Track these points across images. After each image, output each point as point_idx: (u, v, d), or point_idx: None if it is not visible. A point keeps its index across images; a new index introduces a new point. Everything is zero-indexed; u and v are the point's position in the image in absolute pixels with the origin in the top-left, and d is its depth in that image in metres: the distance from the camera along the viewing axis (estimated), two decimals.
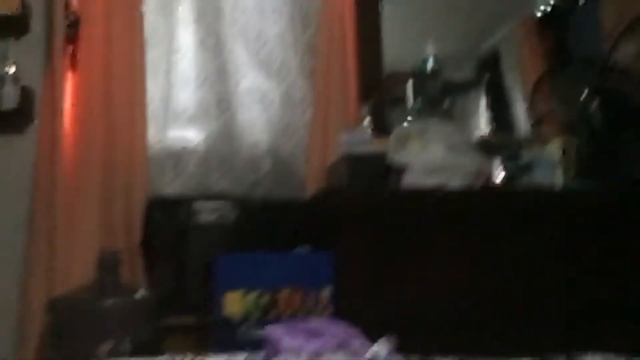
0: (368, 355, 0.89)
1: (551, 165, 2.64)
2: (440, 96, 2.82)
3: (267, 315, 2.26)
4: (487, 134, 3.02)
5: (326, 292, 2.28)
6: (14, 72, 2.51)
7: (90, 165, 2.56)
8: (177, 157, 2.73)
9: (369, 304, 2.18)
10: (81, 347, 2.29)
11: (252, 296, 2.27)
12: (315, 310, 2.26)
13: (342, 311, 2.20)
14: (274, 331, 0.90)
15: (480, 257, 2.27)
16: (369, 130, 2.64)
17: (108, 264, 2.39)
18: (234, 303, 2.25)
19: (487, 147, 2.69)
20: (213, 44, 2.82)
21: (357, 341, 0.91)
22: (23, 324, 2.43)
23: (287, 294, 2.29)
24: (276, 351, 0.90)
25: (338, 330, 0.92)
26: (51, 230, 2.47)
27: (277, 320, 2.25)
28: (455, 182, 2.36)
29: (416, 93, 2.84)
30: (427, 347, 1.46)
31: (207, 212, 2.70)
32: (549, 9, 3.24)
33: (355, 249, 2.23)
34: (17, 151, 2.59)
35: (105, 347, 2.30)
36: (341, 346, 0.92)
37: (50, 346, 2.36)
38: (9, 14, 2.55)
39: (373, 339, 1.11)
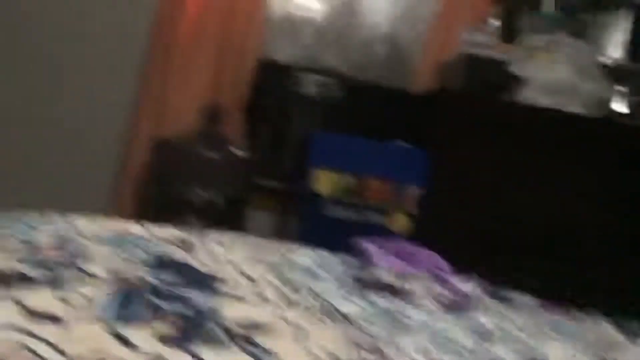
0: (460, 287, 0.90)
1: None
2: (580, 11, 2.61)
3: (353, 199, 2.31)
4: (619, 60, 2.81)
5: (415, 190, 2.29)
6: None
7: (210, 20, 2.57)
8: (294, 24, 2.69)
9: (456, 212, 2.17)
10: (178, 189, 2.44)
11: (341, 177, 2.31)
12: (400, 206, 2.29)
13: (426, 212, 2.21)
14: (369, 246, 0.92)
15: (583, 188, 2.19)
16: (496, 34, 2.50)
17: (213, 117, 2.47)
18: (324, 181, 2.31)
19: (616, 74, 2.51)
20: None
21: (449, 272, 0.93)
22: (128, 157, 2.57)
23: (376, 183, 2.32)
24: (369, 264, 0.92)
25: (432, 258, 0.93)
26: (166, 72, 2.54)
27: (361, 205, 2.31)
28: (575, 106, 2.24)
29: (555, 3, 2.63)
30: (504, 270, 1.46)
31: (314, 85, 2.70)
32: None
33: (455, 153, 2.19)
34: None
35: (200, 194, 2.44)
36: (433, 274, 0.93)
37: (150, 183, 2.51)
38: None
39: (452, 249, 1.12)
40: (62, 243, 0.83)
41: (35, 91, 2.54)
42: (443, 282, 0.92)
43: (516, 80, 2.29)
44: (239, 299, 0.75)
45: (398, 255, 0.91)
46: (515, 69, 2.30)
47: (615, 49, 2.86)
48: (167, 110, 2.54)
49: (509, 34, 2.52)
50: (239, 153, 2.51)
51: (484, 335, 0.83)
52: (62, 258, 0.77)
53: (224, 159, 2.51)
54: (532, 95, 2.25)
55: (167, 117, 2.56)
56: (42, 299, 0.63)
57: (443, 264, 0.93)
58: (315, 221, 2.28)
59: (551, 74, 2.27)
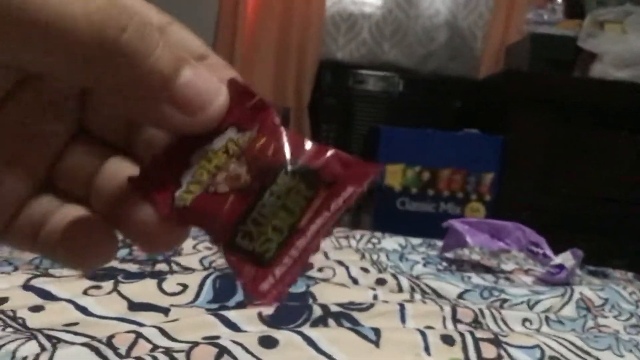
0: (554, 262, 0.87)
1: None
2: None
3: (426, 191, 2.28)
4: None
5: (488, 178, 2.24)
6: None
7: (269, 22, 2.60)
8: (352, 21, 2.69)
9: (532, 196, 2.11)
10: None
11: (412, 171, 2.28)
12: (474, 195, 2.25)
13: (503, 200, 2.16)
14: (458, 225, 0.90)
15: None
16: (560, 10, 2.42)
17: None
18: (394, 175, 2.28)
19: None
20: None
21: (542, 247, 0.89)
22: None
23: (449, 173, 2.28)
24: (458, 243, 0.90)
25: (523, 233, 0.90)
26: None
27: (435, 197, 2.28)
28: None
29: None
30: (589, 252, 1.41)
31: (375, 81, 2.68)
32: None
33: (527, 136, 2.13)
34: (202, 2, 2.66)
35: None
36: (525, 249, 0.90)
37: None
38: None
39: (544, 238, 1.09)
40: None
41: None
42: (537, 256, 0.89)
43: (586, 56, 2.21)
44: (333, 282, 0.75)
45: (490, 233, 0.89)
46: (584, 44, 2.22)
47: None
48: None
49: (575, 8, 2.44)
50: None
51: (587, 306, 0.79)
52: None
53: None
54: (604, 70, 2.17)
55: None
56: (143, 290, 0.64)
57: (537, 237, 0.89)
58: (389, 216, 2.26)
59: (623, 46, 2.18)
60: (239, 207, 0.23)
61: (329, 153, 0.24)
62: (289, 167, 0.23)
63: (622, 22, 2.25)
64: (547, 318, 0.72)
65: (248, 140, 0.23)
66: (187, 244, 0.83)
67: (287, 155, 0.24)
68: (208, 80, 0.23)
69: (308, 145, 0.24)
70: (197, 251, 0.82)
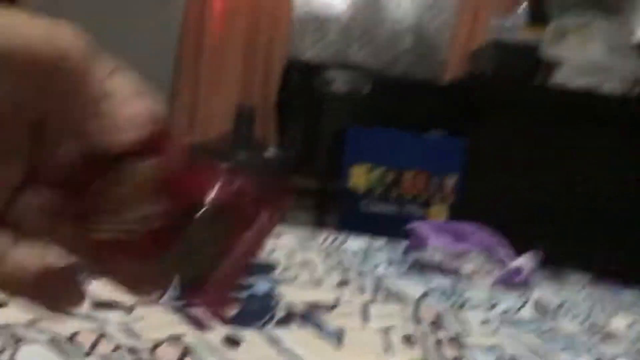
0: (513, 264, 0.89)
1: None
2: None
3: (389, 192, 2.30)
4: None
5: (452, 180, 2.27)
6: None
7: (237, 21, 2.59)
8: (319, 22, 2.69)
9: (495, 199, 2.15)
10: None
11: (377, 172, 2.30)
12: (437, 196, 2.28)
13: (465, 202, 2.19)
14: (421, 226, 0.91)
15: (622, 167, 2.15)
16: (524, 17, 2.47)
17: (244, 118, 2.47)
18: (359, 176, 2.30)
19: None
20: None
21: (503, 249, 0.91)
22: None
23: (413, 175, 2.30)
24: (421, 245, 0.92)
25: (484, 236, 0.92)
26: (196, 78, 2.56)
27: (399, 198, 2.30)
28: (610, 85, 2.20)
29: None
30: (550, 253, 1.44)
31: (342, 82, 2.70)
32: None
33: (490, 140, 2.17)
34: (168, 1, 2.64)
35: None
36: (486, 251, 0.92)
37: None
38: None
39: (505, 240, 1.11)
40: None
41: None
42: (498, 258, 0.91)
43: (548, 63, 2.26)
44: (297, 282, 0.75)
45: (452, 234, 0.90)
46: (547, 51, 2.26)
47: None
48: (199, 115, 2.56)
49: (538, 16, 2.49)
50: (271, 153, 2.52)
51: (544, 308, 0.81)
52: None
53: (256, 159, 2.52)
54: (565, 77, 2.22)
55: (198, 122, 2.58)
56: (106, 287, 0.63)
57: (498, 239, 0.91)
58: (353, 217, 2.27)
59: (584, 54, 2.23)
60: (160, 244, 0.24)
61: (240, 183, 0.25)
62: (204, 204, 0.24)
63: (584, 31, 2.31)
64: (505, 319, 0.74)
65: (162, 176, 0.24)
66: None
67: (203, 191, 0.24)
68: (129, 109, 0.23)
69: (220, 177, 0.25)
70: None
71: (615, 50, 2.26)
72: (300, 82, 2.67)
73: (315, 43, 2.70)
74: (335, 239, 1.00)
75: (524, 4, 2.51)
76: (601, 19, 2.39)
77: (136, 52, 2.61)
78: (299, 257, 0.84)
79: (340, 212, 2.30)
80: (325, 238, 1.00)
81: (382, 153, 2.31)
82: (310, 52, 2.70)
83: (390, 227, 1.32)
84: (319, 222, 2.53)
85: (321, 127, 2.69)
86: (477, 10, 2.61)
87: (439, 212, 2.27)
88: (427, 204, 2.29)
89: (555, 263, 1.17)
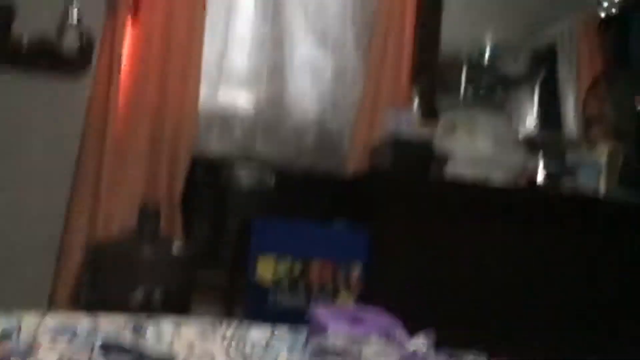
0: (409, 347, 0.92)
1: (596, 169, 2.62)
2: (492, 87, 2.80)
3: (297, 284, 2.32)
4: (534, 130, 3.00)
5: (357, 269, 2.32)
6: (77, 18, 2.55)
7: (141, 116, 2.61)
8: (225, 118, 2.76)
9: (399, 286, 2.21)
10: (115, 292, 2.37)
11: (284, 263, 2.32)
12: (344, 286, 2.31)
13: (371, 290, 2.24)
14: (320, 313, 0.94)
15: (514, 253, 2.28)
16: (417, 113, 2.64)
17: (149, 215, 2.45)
18: (266, 268, 2.31)
19: (533, 144, 2.68)
20: (272, 11, 2.83)
21: (399, 331, 0.95)
22: (62, 264, 2.51)
23: (319, 266, 2.34)
24: (321, 331, 0.93)
25: (381, 319, 0.95)
26: (98, 176, 2.53)
27: (306, 289, 2.31)
28: (498, 176, 2.37)
29: (469, 81, 2.82)
30: (451, 337, 1.49)
31: (247, 176, 2.75)
32: (613, 9, 3.17)
33: (391, 231, 2.26)
34: (72, 95, 2.63)
35: (137, 294, 2.38)
36: (384, 335, 0.95)
37: (85, 288, 2.44)
38: None
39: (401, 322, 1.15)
40: (9, 336, 0.81)
41: None
42: (394, 342, 0.94)
43: (441, 156, 2.41)
44: None
45: (350, 319, 0.93)
46: (439, 144, 2.41)
47: (533, 120, 3.05)
48: (101, 212, 2.51)
49: (429, 112, 2.66)
50: (177, 249, 2.49)
51: None
52: (12, 352, 0.75)
53: (162, 256, 2.48)
54: (457, 170, 2.37)
55: (100, 219, 2.52)
56: None
57: (395, 323, 0.95)
58: (261, 310, 2.26)
59: (473, 147, 2.40)
60: None
61: None
62: None
63: (471, 126, 2.49)
64: None
65: None
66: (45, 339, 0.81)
67: None
68: None
69: None
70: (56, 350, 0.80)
71: (500, 143, 2.45)
72: (206, 176, 2.70)
73: (220, 138, 2.75)
74: (238, 327, 1.01)
75: (416, 101, 2.69)
76: (486, 114, 2.59)
77: (36, 152, 2.58)
78: (198, 349, 0.84)
79: (247, 305, 2.29)
80: (228, 326, 1.00)
81: (288, 244, 2.34)
82: (215, 147, 2.74)
83: (298, 318, 1.33)
84: (227, 316, 2.50)
85: (227, 221, 2.70)
86: (375, 106, 2.76)
87: (346, 301, 2.30)
88: (334, 294, 2.32)
89: (452, 345, 1.22)
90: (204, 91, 2.71)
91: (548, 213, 2.32)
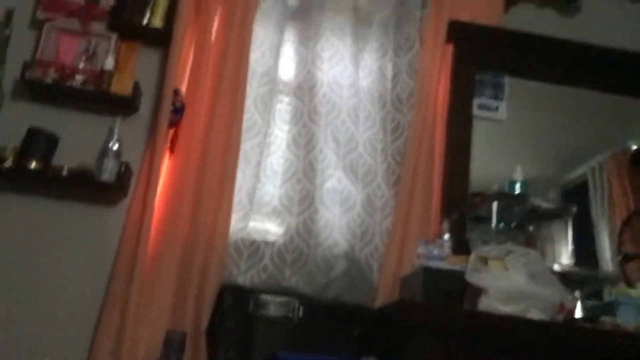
0: None
1: (636, 307, 2.52)
2: (524, 221, 2.78)
3: None
4: (569, 266, 2.93)
5: None
6: (117, 148, 2.66)
7: (173, 245, 2.64)
8: (254, 247, 2.77)
9: None
10: None
11: None
12: None
13: None
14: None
15: None
16: (448, 246, 2.61)
17: (174, 345, 2.40)
18: None
19: (568, 280, 2.60)
20: (304, 143, 2.91)
21: None
22: None
23: None
24: None
25: None
26: (126, 302, 2.52)
27: None
28: (535, 313, 2.28)
29: (500, 215, 2.81)
30: None
31: (275, 306, 2.70)
32: None
33: None
34: (107, 222, 2.71)
35: None
36: None
37: None
38: (123, 94, 2.74)
39: None
40: None
41: None
42: None
43: (473, 290, 2.35)
44: None
45: None
46: (470, 278, 2.36)
47: (567, 256, 2.99)
48: (127, 338, 2.48)
49: (461, 245, 2.64)
50: None
51: None
52: None
53: None
54: (491, 303, 2.29)
55: (125, 347, 2.48)
56: None
57: None
58: None
59: (506, 282, 2.33)
60: None
61: None
62: None
63: (504, 259, 2.44)
64: None
65: None
66: None
67: None
68: None
69: None
70: None
71: (535, 278, 2.38)
72: (233, 306, 2.66)
73: (249, 268, 2.74)
74: None
75: (447, 233, 2.67)
76: (519, 248, 2.55)
77: (68, 272, 2.61)
78: None
79: None
80: None
81: None
82: (243, 276, 2.73)
83: None
84: None
85: (253, 352, 2.63)
86: (405, 239, 2.75)
87: None
88: None
89: None
90: (234, 221, 2.75)
91: (587, 351, 2.21)
